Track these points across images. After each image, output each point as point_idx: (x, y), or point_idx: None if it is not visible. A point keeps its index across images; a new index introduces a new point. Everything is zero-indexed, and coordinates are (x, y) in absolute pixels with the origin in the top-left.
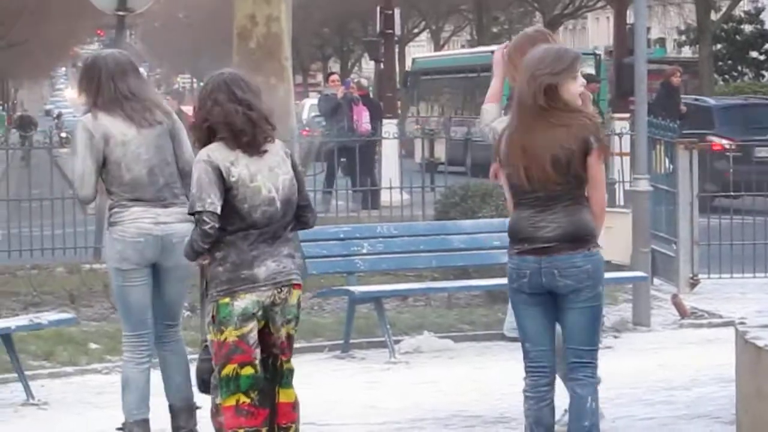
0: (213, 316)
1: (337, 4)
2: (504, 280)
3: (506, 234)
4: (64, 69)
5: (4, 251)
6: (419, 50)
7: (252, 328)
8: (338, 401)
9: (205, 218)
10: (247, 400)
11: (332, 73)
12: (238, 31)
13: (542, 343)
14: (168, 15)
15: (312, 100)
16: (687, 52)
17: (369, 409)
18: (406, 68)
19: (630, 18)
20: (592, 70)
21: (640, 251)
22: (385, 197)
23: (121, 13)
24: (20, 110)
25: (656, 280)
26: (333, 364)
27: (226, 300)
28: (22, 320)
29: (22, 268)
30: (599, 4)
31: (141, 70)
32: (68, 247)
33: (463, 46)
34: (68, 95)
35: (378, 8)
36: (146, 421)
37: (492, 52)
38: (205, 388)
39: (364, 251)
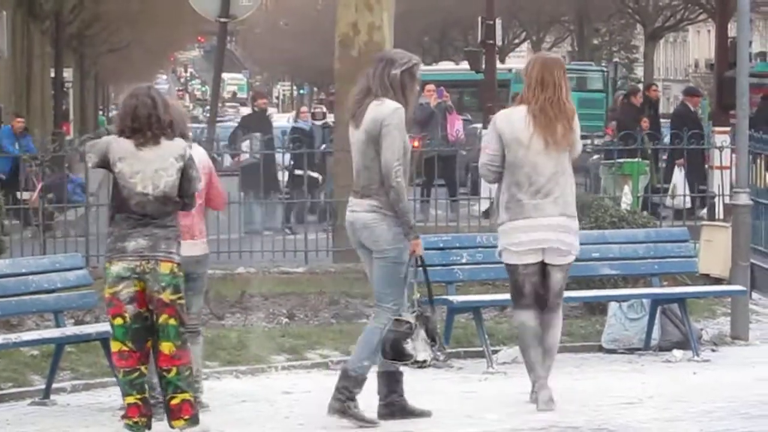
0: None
1: (439, 13)
2: (602, 292)
3: (604, 246)
4: (165, 77)
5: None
6: (520, 61)
7: (123, 288)
8: (435, 410)
9: None
10: (126, 349)
11: (427, 83)
12: (341, 39)
13: None
14: (269, 22)
15: None
16: None
17: (465, 419)
18: None
19: (732, 31)
20: (600, 85)
21: (739, 265)
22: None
23: (223, 19)
24: None
25: (755, 294)
26: (430, 373)
27: (108, 264)
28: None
29: None
30: (701, 17)
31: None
32: None
33: (564, 57)
34: None
35: (479, 18)
36: None
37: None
38: (384, 355)
39: (464, 261)
